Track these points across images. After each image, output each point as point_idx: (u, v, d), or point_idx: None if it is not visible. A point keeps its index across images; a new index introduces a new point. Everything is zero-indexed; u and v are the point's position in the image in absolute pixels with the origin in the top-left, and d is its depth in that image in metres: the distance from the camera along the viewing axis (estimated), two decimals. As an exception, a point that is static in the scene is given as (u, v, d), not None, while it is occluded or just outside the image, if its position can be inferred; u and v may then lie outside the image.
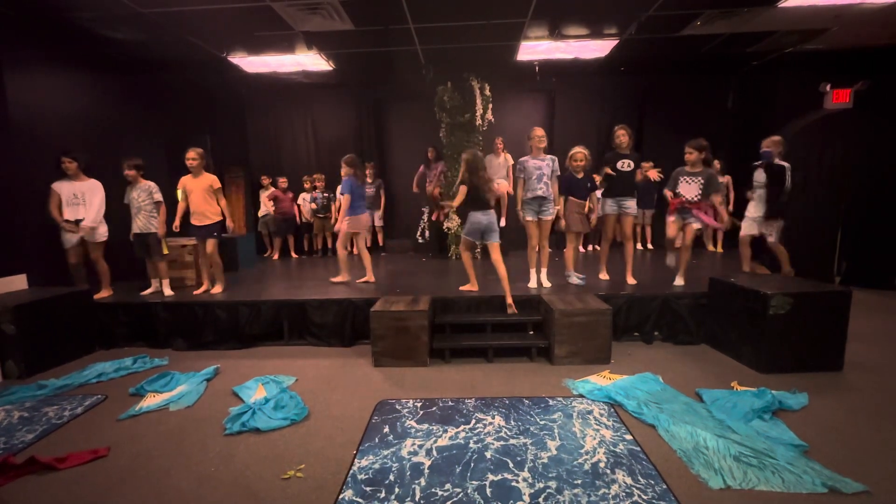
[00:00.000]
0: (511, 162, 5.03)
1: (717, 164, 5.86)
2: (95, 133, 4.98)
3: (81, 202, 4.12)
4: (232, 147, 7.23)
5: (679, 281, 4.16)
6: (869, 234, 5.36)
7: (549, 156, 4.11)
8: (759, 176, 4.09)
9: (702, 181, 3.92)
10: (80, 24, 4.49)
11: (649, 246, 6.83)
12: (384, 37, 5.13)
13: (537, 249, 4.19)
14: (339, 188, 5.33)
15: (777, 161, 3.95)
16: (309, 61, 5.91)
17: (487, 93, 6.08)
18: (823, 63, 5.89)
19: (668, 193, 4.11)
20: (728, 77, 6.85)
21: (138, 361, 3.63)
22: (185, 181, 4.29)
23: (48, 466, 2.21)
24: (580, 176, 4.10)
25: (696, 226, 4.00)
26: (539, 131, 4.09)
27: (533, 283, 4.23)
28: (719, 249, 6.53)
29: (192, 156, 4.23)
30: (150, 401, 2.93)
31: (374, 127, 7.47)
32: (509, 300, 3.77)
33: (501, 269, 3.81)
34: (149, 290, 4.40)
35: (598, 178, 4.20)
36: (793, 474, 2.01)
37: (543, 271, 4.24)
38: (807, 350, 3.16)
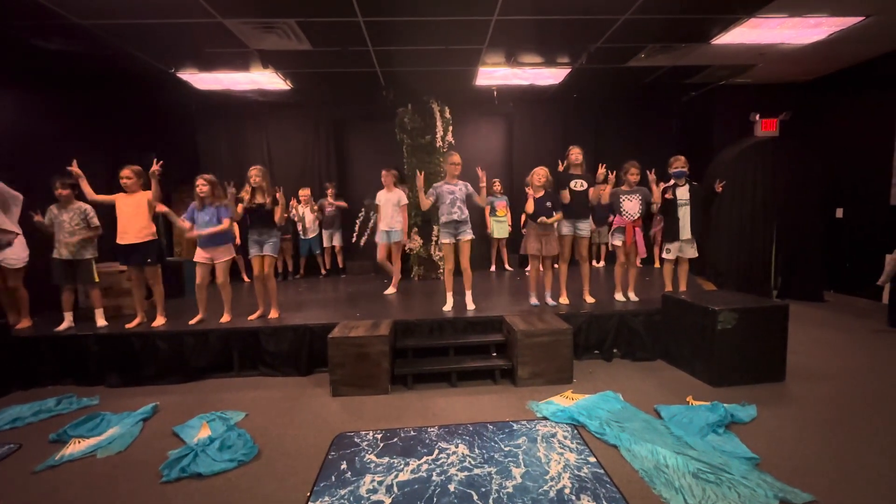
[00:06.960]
0: (405, 202, 5.08)
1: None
2: (26, 150, 4.56)
3: None
4: (181, 166, 6.84)
5: (632, 296, 4.33)
6: (799, 251, 5.81)
7: (461, 181, 4.14)
8: (684, 194, 4.06)
9: (640, 198, 4.15)
10: (9, 33, 4.15)
11: (602, 262, 7.01)
12: (343, 58, 5.11)
13: (454, 272, 4.13)
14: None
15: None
16: (265, 80, 5.77)
17: (448, 115, 6.17)
18: (753, 95, 6.47)
19: (617, 219, 4.25)
20: (672, 105, 7.36)
21: (63, 402, 3.25)
22: (119, 198, 3.86)
23: (-61, 535, 1.89)
24: (540, 195, 4.09)
25: (618, 243, 4.28)
26: (456, 158, 4.10)
27: (448, 307, 4.13)
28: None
29: (127, 174, 3.80)
30: (74, 448, 2.61)
31: (333, 147, 7.35)
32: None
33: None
34: (63, 326, 3.82)
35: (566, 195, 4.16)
36: (747, 488, 2.06)
37: (468, 294, 4.17)
38: (752, 362, 3.32)
